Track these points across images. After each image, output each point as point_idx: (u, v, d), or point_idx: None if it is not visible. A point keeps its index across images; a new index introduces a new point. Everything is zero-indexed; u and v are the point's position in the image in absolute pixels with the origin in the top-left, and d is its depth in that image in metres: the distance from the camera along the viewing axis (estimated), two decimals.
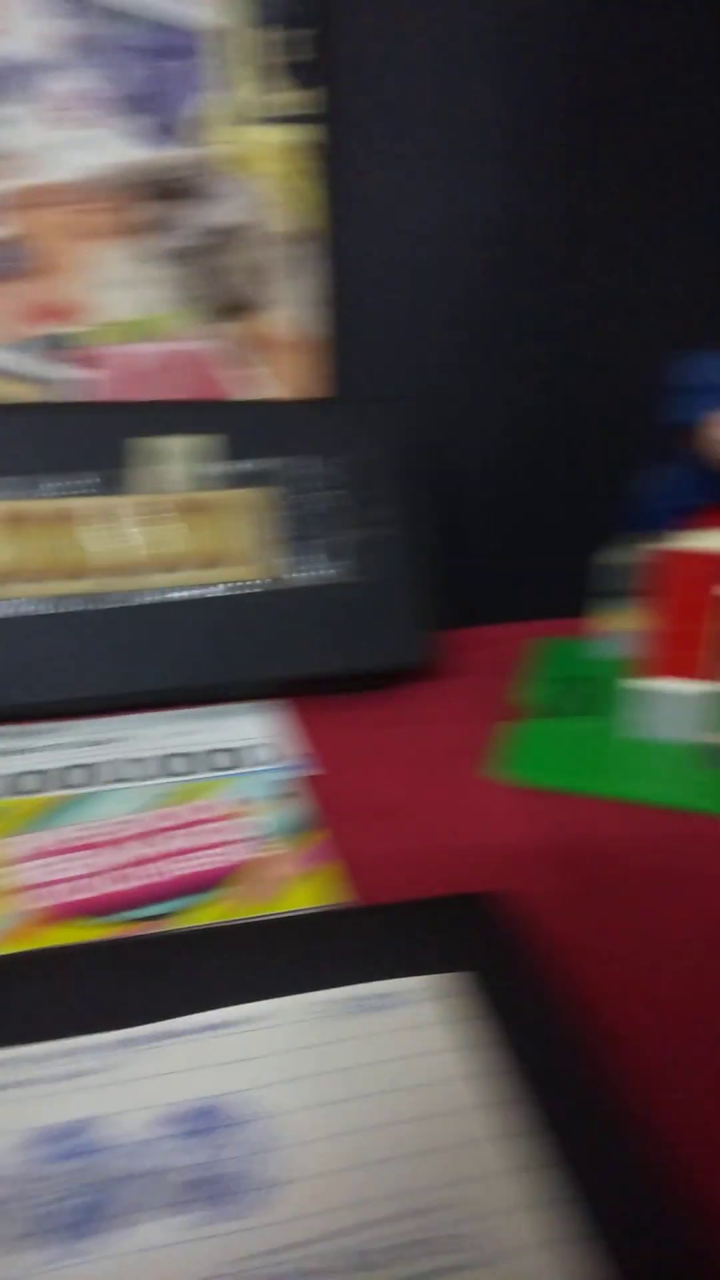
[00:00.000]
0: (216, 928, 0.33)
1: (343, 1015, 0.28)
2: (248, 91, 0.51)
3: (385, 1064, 0.27)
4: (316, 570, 0.50)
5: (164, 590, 0.48)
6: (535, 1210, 0.23)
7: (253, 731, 0.48)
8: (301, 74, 0.51)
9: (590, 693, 0.50)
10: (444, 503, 0.59)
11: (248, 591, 0.49)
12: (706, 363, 0.41)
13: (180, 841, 0.38)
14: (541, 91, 0.52)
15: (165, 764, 0.44)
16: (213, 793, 0.41)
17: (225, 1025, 0.28)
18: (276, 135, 0.52)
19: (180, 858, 0.37)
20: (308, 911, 0.34)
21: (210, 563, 0.49)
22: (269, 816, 0.39)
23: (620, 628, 0.53)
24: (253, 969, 0.30)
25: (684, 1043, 0.30)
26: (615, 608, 0.53)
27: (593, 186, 0.54)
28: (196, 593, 0.49)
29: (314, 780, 0.44)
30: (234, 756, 0.45)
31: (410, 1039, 0.28)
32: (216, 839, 0.38)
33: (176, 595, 0.48)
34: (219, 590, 0.49)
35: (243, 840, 0.38)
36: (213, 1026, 0.28)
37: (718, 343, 0.48)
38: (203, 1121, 0.25)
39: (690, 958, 0.33)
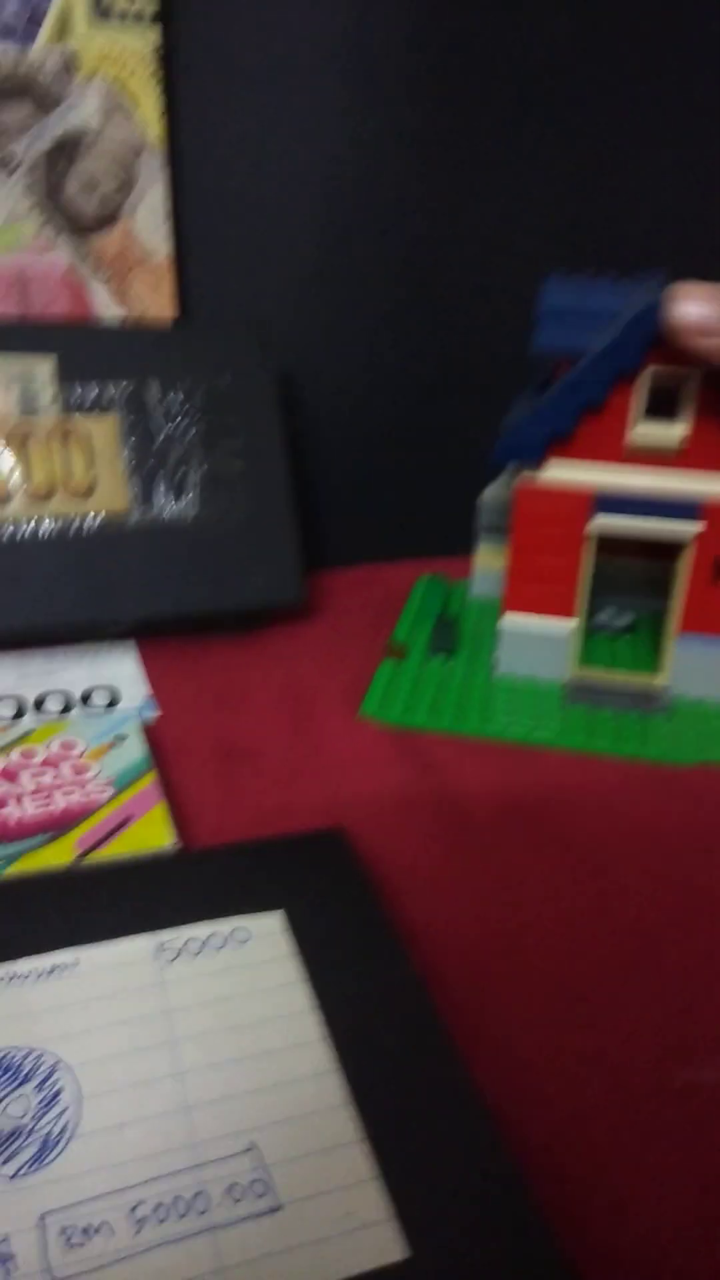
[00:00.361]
0: (37, 876, 0.31)
1: (165, 959, 0.27)
2: None
3: (204, 1006, 0.26)
4: (170, 505, 0.48)
5: (4, 525, 0.45)
6: (342, 1150, 0.22)
7: (106, 674, 0.45)
8: None
9: (461, 632, 0.49)
10: (311, 436, 0.57)
11: (95, 526, 0.47)
12: (567, 287, 0.40)
13: (20, 785, 0.35)
14: (401, 8, 0.49)
15: (15, 706, 0.42)
16: (62, 736, 0.39)
17: (32, 975, 0.26)
18: (117, 35, 0.48)
19: (14, 804, 0.34)
20: (139, 856, 0.32)
21: (51, 494, 0.46)
22: (115, 760, 0.37)
23: (493, 566, 0.52)
24: (74, 915, 0.28)
25: (522, 974, 0.29)
26: (489, 545, 0.52)
27: (452, 109, 0.51)
28: (40, 526, 0.46)
29: (167, 723, 0.42)
30: (86, 699, 0.43)
31: (234, 980, 0.26)
32: (58, 783, 0.36)
33: (17, 530, 0.45)
34: (61, 524, 0.46)
35: (85, 784, 0.36)
36: (18, 976, 0.26)
37: (583, 267, 0.47)
38: None
39: (534, 887, 0.33)
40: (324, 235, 0.53)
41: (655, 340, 0.37)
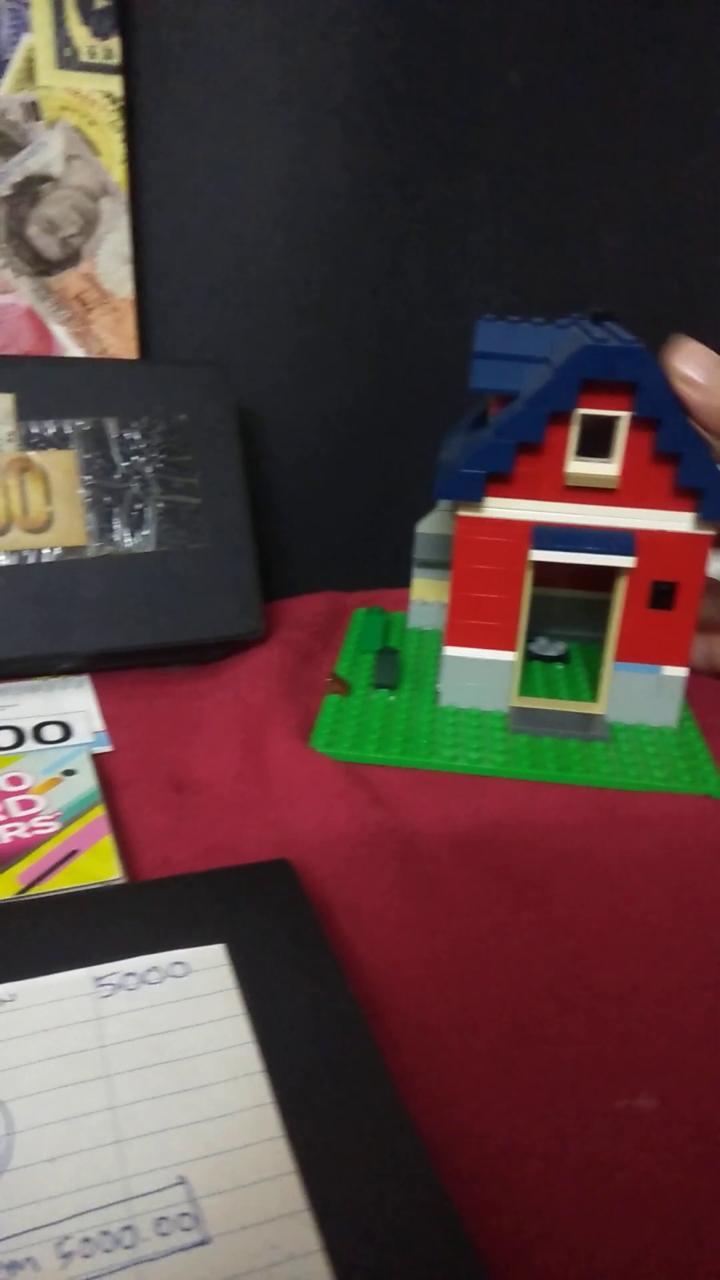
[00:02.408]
0: None
1: (103, 993, 0.27)
2: (50, 37, 0.48)
3: (140, 1040, 0.26)
4: (127, 538, 0.48)
5: None
6: (273, 1182, 0.22)
7: (60, 707, 0.46)
8: (101, 21, 0.49)
9: (405, 663, 0.50)
10: (265, 469, 0.58)
11: (52, 560, 0.47)
12: (497, 329, 0.41)
13: None
14: (356, 55, 0.51)
15: None
16: (10, 770, 0.39)
17: None
18: (81, 83, 0.50)
19: None
20: (81, 889, 0.32)
21: (7, 529, 0.47)
22: (63, 794, 0.37)
23: (427, 597, 0.53)
24: (11, 949, 0.28)
25: (462, 1006, 0.30)
26: (424, 578, 0.53)
27: (406, 153, 0.53)
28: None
29: (120, 755, 0.42)
30: (38, 733, 0.43)
31: (172, 1013, 0.27)
32: (2, 818, 0.36)
33: None
34: (18, 558, 0.47)
35: (30, 819, 0.36)
36: None
37: (531, 308, 0.48)
38: None
39: (479, 918, 0.33)
40: (282, 275, 0.55)
41: (586, 384, 0.38)
